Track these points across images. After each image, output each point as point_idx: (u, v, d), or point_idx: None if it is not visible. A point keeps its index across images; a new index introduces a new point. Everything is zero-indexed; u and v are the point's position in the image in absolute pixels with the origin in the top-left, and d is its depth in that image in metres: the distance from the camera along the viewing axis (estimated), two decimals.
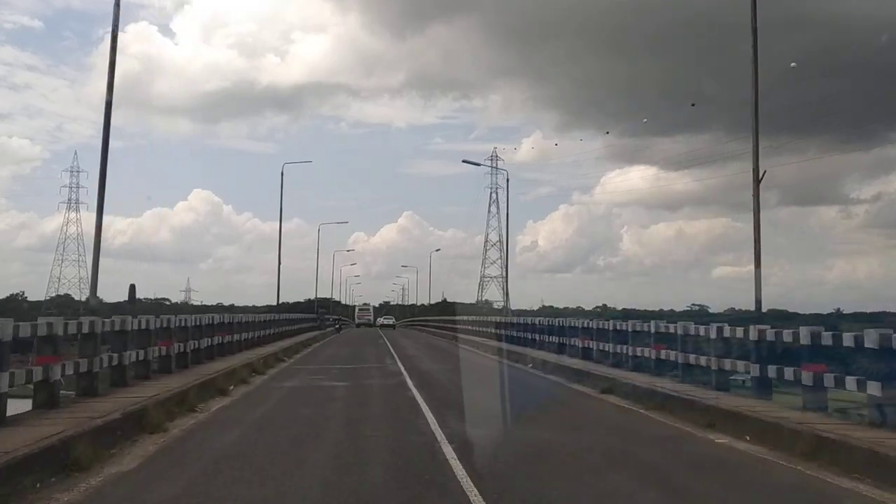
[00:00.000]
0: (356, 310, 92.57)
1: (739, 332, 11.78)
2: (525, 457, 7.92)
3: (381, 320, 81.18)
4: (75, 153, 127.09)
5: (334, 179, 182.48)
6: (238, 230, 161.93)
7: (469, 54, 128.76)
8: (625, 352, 16.65)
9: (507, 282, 40.65)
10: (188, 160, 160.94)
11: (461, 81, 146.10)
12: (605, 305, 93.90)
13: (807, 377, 9.90)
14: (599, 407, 12.45)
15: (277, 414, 11.02)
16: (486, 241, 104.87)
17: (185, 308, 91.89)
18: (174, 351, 14.51)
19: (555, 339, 22.62)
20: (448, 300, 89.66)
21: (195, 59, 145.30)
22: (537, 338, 24.88)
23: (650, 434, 9.71)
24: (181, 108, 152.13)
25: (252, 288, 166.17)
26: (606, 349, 17.80)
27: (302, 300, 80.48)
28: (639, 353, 15.87)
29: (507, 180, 40.39)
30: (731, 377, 12.52)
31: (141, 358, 12.71)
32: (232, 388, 14.05)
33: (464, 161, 48.11)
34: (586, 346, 19.41)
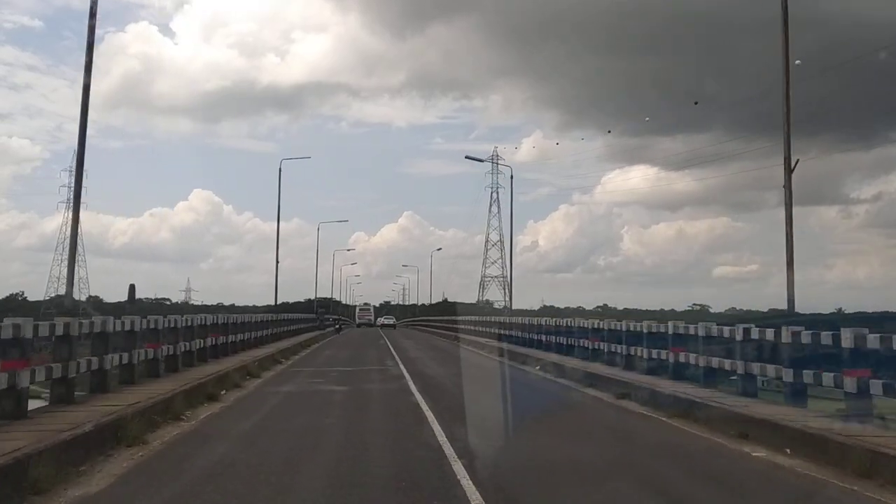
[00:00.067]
0: (357, 310, 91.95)
1: (770, 333, 10.92)
2: (545, 477, 7.05)
3: (381, 320, 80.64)
4: (74, 152, 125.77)
5: (334, 179, 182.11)
6: (238, 230, 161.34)
7: (469, 54, 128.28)
8: (639, 354, 15.79)
9: (510, 281, 39.55)
10: (188, 160, 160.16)
11: (461, 81, 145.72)
12: (605, 305, 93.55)
13: (850, 383, 9.04)
14: (618, 415, 11.57)
15: (271, 423, 10.15)
16: (487, 240, 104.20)
17: (185, 308, 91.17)
18: (162, 354, 13.66)
19: (562, 340, 21.78)
20: (448, 300, 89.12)
21: (195, 59, 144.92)
22: (543, 339, 24.06)
23: (679, 446, 8.84)
24: (181, 108, 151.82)
25: (253, 288, 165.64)
26: (619, 351, 16.95)
27: (302, 300, 79.80)
28: (655, 356, 15.02)
29: (512, 177, 39.48)
30: (760, 383, 11.67)
31: (125, 361, 11.86)
32: (224, 393, 13.20)
33: (467, 157, 47.38)
34: (597, 347, 18.57)
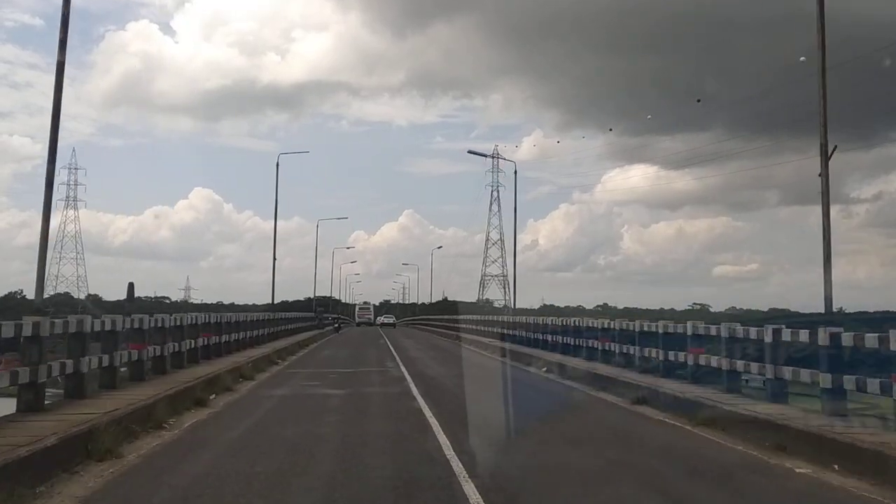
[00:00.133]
0: (356, 308, 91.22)
1: (804, 335, 10.06)
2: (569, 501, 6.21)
3: (381, 319, 79.94)
4: (73, 150, 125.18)
5: (335, 178, 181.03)
6: (238, 228, 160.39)
7: (470, 53, 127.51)
8: (654, 356, 14.94)
9: (514, 279, 38.56)
10: (189, 158, 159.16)
11: (462, 80, 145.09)
12: (605, 304, 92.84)
13: None
14: (637, 423, 10.70)
15: (260, 433, 9.27)
16: (487, 239, 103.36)
17: (184, 306, 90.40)
18: (148, 355, 12.80)
19: (568, 340, 20.93)
20: (448, 299, 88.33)
21: (196, 58, 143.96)
22: (549, 339, 23.21)
23: (712, 461, 7.97)
24: (182, 107, 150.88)
25: (253, 286, 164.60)
26: (631, 353, 16.11)
27: (302, 299, 79.01)
28: (672, 358, 14.16)
29: (515, 172, 38.42)
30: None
31: (105, 364, 11.00)
32: (213, 397, 12.34)
33: (469, 152, 46.40)
34: (606, 348, 17.73)
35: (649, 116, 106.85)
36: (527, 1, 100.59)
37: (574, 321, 21.39)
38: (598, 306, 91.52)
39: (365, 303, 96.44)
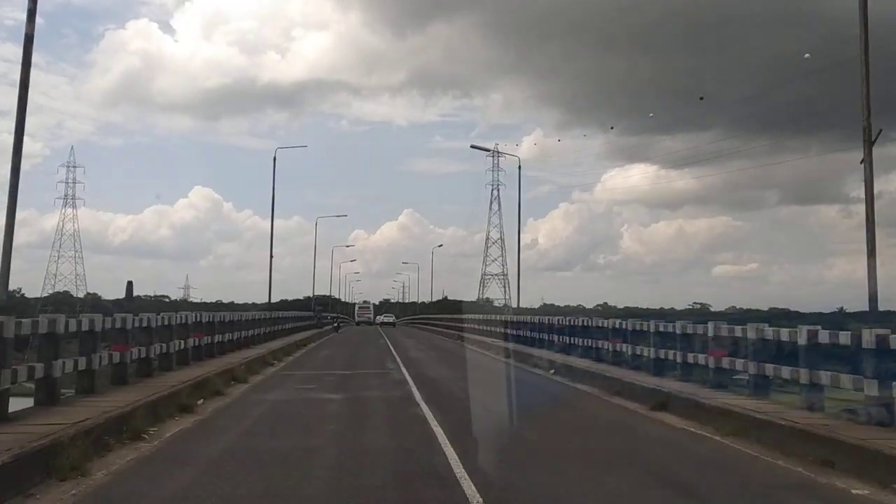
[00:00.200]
0: (356, 308, 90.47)
1: (844, 337, 9.19)
2: None
3: (380, 318, 79.26)
4: (72, 148, 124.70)
5: (335, 177, 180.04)
6: (238, 227, 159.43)
7: (470, 52, 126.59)
8: (670, 358, 14.08)
9: (518, 278, 37.50)
10: (189, 157, 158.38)
11: (462, 79, 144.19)
12: (605, 304, 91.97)
13: None
14: (662, 432, 9.82)
15: (248, 445, 8.40)
16: (488, 238, 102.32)
17: (182, 305, 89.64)
18: (131, 357, 11.95)
19: (576, 340, 20.06)
20: (448, 298, 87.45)
21: (196, 56, 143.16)
22: (555, 339, 22.32)
23: (756, 480, 7.11)
24: (182, 105, 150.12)
25: (252, 285, 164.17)
26: (645, 354, 15.25)
27: (301, 298, 78.21)
28: (690, 360, 13.31)
29: (519, 167, 37.46)
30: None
31: (82, 367, 10.15)
32: (201, 402, 11.49)
33: (472, 146, 45.43)
34: (618, 349, 16.87)
35: (651, 115, 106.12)
36: (526, 1, 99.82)
37: (582, 321, 20.53)
38: (598, 305, 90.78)
39: (364, 302, 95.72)
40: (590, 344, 18.95)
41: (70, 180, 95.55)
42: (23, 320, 8.52)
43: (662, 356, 14.44)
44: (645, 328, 15.59)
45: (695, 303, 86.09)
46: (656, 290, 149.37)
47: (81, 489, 6.14)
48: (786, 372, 10.33)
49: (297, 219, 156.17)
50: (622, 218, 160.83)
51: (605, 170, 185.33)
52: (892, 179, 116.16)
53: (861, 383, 8.72)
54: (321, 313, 50.68)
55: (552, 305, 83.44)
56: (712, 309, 78.61)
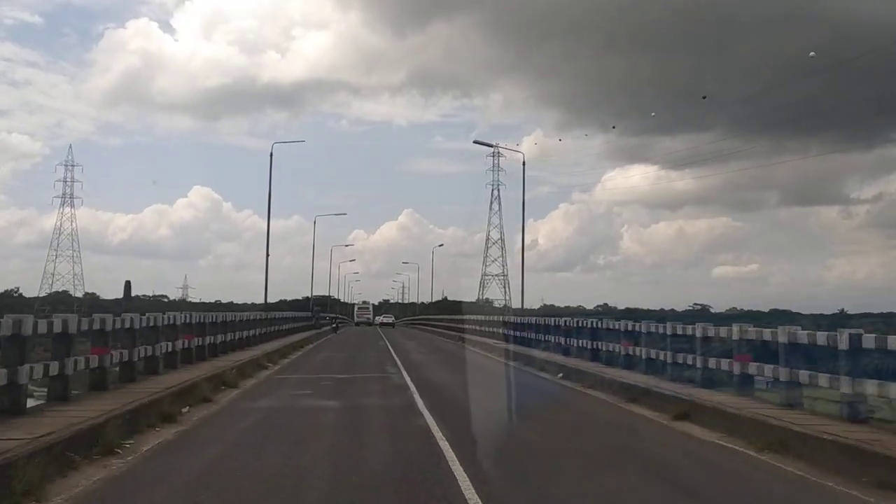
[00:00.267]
0: (355, 308, 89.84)
1: (894, 342, 8.32)
2: None
3: (380, 319, 78.68)
4: (70, 147, 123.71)
5: (334, 177, 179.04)
6: (238, 227, 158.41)
7: (470, 52, 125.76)
8: (688, 363, 13.23)
9: (523, 276, 36.48)
10: (188, 157, 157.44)
11: (462, 79, 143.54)
12: (605, 305, 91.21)
13: None
14: (691, 447, 8.91)
15: (233, 463, 7.47)
16: (488, 238, 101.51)
17: (181, 305, 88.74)
18: (112, 361, 11.07)
19: (585, 343, 19.18)
20: (448, 299, 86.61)
21: (196, 56, 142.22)
22: (562, 341, 21.44)
23: None
24: (182, 105, 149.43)
25: (252, 285, 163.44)
26: (661, 358, 14.39)
27: (300, 298, 77.31)
28: (711, 366, 12.45)
29: (524, 163, 36.41)
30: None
31: (54, 373, 9.26)
32: (185, 410, 10.62)
33: (475, 142, 44.49)
34: (630, 353, 16.01)
35: (653, 114, 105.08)
36: (526, 0, 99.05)
37: (591, 322, 19.65)
38: (598, 306, 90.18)
39: (364, 302, 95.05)
40: (599, 347, 18.10)
41: (68, 179, 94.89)
42: None
43: (680, 361, 13.60)
44: (661, 331, 14.72)
45: (695, 304, 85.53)
46: (656, 291, 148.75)
47: None
48: (823, 380, 9.45)
49: (297, 218, 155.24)
50: (622, 218, 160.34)
51: (605, 170, 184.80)
52: (893, 180, 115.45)
53: None
54: (319, 314, 49.76)
55: (552, 306, 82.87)
56: (713, 310, 78.04)
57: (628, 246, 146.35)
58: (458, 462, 7.17)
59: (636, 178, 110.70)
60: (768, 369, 10.77)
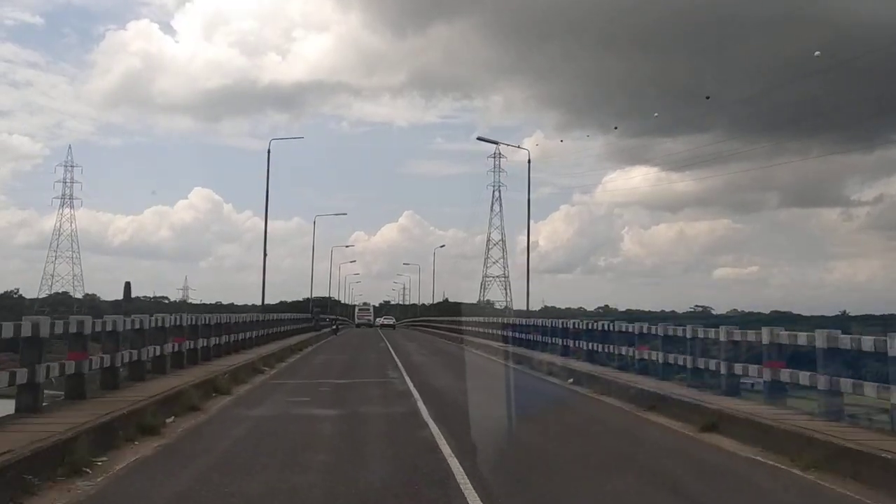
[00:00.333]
0: (356, 309, 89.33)
1: None
2: None
3: (380, 320, 78.20)
4: (69, 147, 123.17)
5: (335, 178, 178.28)
6: (238, 228, 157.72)
7: (470, 54, 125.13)
8: (711, 368, 12.40)
9: (528, 277, 35.33)
10: (189, 158, 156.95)
11: (462, 81, 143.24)
12: (606, 306, 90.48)
13: None
14: (729, 464, 8.04)
15: (216, 487, 6.60)
16: (489, 240, 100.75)
17: (181, 307, 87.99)
18: (91, 366, 10.22)
19: (595, 346, 18.33)
20: (449, 300, 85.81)
21: (196, 57, 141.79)
22: (570, 344, 20.62)
23: None
24: (182, 106, 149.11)
25: (253, 286, 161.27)
26: (680, 363, 13.55)
27: (301, 299, 76.58)
28: (737, 372, 11.61)
29: (529, 161, 35.45)
30: None
31: (22, 381, 8.42)
32: (171, 420, 9.77)
33: (478, 138, 43.60)
34: (645, 357, 15.16)
35: (656, 115, 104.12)
36: (527, 1, 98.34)
37: (602, 325, 18.82)
38: (599, 308, 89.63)
39: (364, 304, 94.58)
40: (611, 350, 17.27)
41: (67, 180, 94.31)
42: None
43: (702, 366, 12.76)
44: (680, 334, 13.88)
45: (696, 305, 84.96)
46: (657, 293, 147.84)
47: None
48: (870, 389, 8.61)
49: (298, 220, 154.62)
50: (623, 220, 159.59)
51: (605, 172, 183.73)
52: (894, 182, 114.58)
53: None
54: (319, 315, 48.88)
55: (553, 308, 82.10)
56: (714, 312, 77.45)
57: (629, 247, 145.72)
58: (467, 480, 6.35)
59: (637, 179, 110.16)
60: (804, 376, 9.92)
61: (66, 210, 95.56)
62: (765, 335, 10.87)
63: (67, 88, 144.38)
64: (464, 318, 42.59)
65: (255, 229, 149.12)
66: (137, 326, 12.31)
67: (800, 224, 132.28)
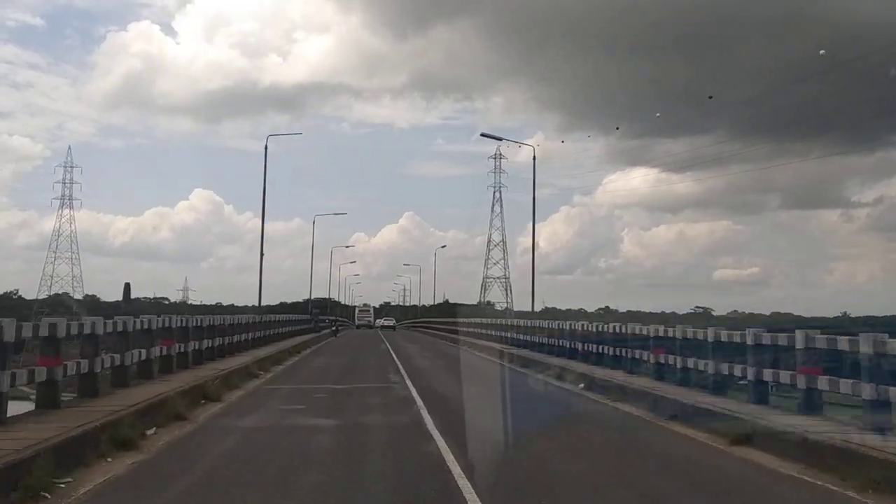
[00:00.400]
0: (356, 311, 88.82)
1: None
2: None
3: (380, 322, 77.74)
4: (69, 148, 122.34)
5: (336, 179, 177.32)
6: (239, 230, 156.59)
7: (471, 55, 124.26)
8: (736, 374, 11.55)
9: (533, 277, 34.22)
10: (190, 159, 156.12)
11: (463, 82, 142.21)
12: (607, 307, 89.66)
13: None
14: (768, 484, 7.20)
15: None
16: (489, 241, 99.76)
17: (182, 308, 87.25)
18: (64, 373, 9.36)
19: (606, 349, 17.48)
20: (450, 301, 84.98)
21: (197, 59, 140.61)
22: (578, 347, 19.74)
23: None
24: (183, 108, 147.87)
25: (253, 288, 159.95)
26: (699, 368, 12.70)
27: (301, 301, 75.85)
28: (765, 378, 10.76)
29: (535, 157, 34.44)
30: None
31: None
32: (152, 432, 8.93)
33: (482, 134, 42.74)
34: (662, 362, 14.29)
35: (658, 115, 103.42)
36: (527, 3, 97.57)
37: (612, 327, 17.97)
38: (599, 309, 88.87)
39: (365, 305, 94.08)
40: (623, 354, 16.41)
41: (67, 180, 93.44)
42: None
43: (725, 372, 11.90)
44: (700, 336, 13.00)
45: (697, 307, 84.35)
46: (657, 295, 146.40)
47: None
48: None
49: (298, 221, 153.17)
50: (623, 221, 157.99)
51: (605, 173, 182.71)
52: (894, 184, 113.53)
53: None
54: (318, 316, 48.03)
55: (553, 309, 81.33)
56: (715, 313, 76.87)
57: (629, 249, 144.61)
58: None
59: (637, 180, 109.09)
60: (845, 385, 9.07)
61: (66, 211, 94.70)
62: (799, 339, 10.00)
63: (68, 90, 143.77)
64: (466, 320, 41.79)
65: (255, 231, 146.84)
66: (120, 329, 11.48)
67: (800, 225, 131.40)
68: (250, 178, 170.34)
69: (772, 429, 8.75)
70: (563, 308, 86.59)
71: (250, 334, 22.74)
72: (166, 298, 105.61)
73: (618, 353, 16.71)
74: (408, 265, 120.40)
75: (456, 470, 6.98)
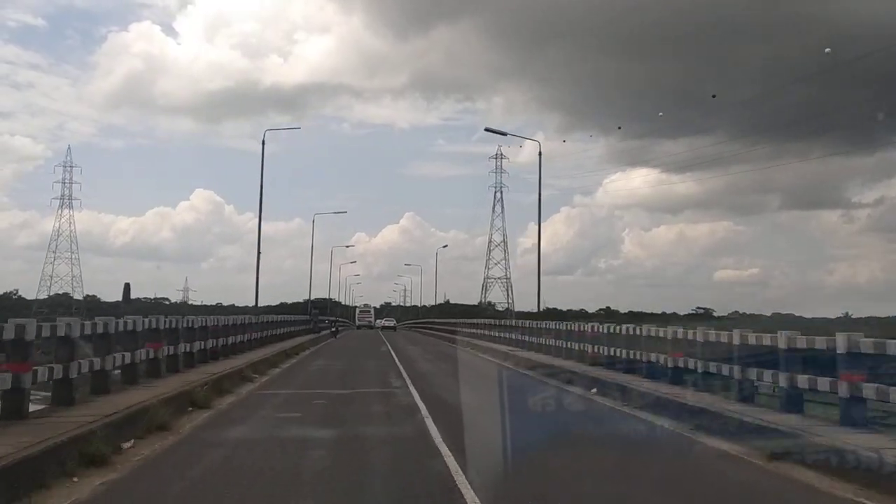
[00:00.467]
0: (357, 311, 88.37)
1: None
2: None
3: (381, 322, 77.33)
4: (69, 148, 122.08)
5: (336, 180, 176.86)
6: (240, 230, 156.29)
7: (471, 56, 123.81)
8: (766, 380, 10.73)
9: (539, 276, 33.22)
10: (190, 160, 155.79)
11: (464, 83, 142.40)
12: (608, 308, 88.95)
13: None
14: (816, 501, 6.36)
15: None
16: (490, 241, 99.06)
17: (182, 308, 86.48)
18: (33, 380, 8.50)
19: (620, 352, 16.65)
20: (450, 302, 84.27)
21: (198, 59, 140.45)
22: (588, 349, 18.97)
23: None
24: (184, 108, 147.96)
25: (253, 288, 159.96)
26: (724, 372, 11.85)
27: (301, 301, 75.20)
28: (799, 384, 9.91)
29: (540, 153, 33.56)
30: None
31: None
32: (129, 445, 8.07)
33: (486, 129, 41.92)
34: (681, 365, 13.45)
35: (661, 114, 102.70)
36: (528, 4, 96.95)
37: (626, 328, 17.12)
38: (600, 310, 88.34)
39: (365, 305, 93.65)
40: (637, 357, 15.58)
41: (66, 180, 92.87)
42: None
43: (753, 377, 11.06)
44: (723, 339, 12.14)
45: (697, 307, 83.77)
46: (658, 295, 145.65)
47: None
48: None
49: (299, 221, 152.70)
50: (623, 222, 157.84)
51: (606, 174, 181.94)
52: (895, 185, 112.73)
53: None
54: (318, 317, 47.16)
55: (554, 309, 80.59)
56: (715, 314, 76.32)
57: (629, 249, 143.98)
58: None
59: (637, 181, 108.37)
60: (894, 392, 8.21)
61: (66, 211, 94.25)
62: (840, 342, 9.13)
63: (69, 90, 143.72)
64: (468, 320, 40.98)
65: (256, 231, 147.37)
66: (101, 331, 10.62)
67: (800, 226, 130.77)
68: (251, 178, 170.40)
69: (818, 443, 7.89)
70: (564, 308, 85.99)
71: (246, 336, 21.89)
72: (167, 299, 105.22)
73: (632, 356, 15.89)
74: (408, 265, 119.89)
75: (469, 494, 6.10)
